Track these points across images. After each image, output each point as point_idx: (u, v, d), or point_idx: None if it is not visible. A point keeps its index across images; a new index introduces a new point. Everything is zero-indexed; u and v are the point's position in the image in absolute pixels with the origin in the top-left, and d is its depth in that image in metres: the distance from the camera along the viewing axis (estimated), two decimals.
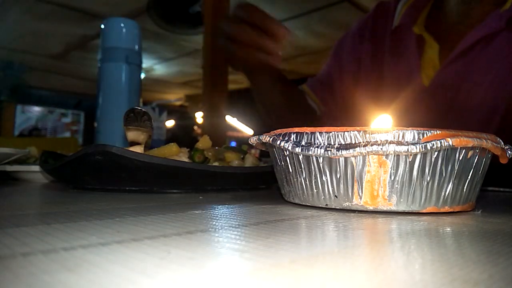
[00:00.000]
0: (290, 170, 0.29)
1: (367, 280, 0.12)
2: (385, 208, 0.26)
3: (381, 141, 0.25)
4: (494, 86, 0.62)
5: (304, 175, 0.28)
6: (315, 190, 0.27)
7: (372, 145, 0.24)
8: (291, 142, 0.27)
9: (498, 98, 0.61)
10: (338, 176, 0.26)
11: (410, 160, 0.25)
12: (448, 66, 0.65)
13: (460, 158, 0.25)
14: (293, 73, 4.55)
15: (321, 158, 0.26)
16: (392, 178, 0.25)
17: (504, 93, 0.60)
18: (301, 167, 0.28)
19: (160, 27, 2.87)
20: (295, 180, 0.29)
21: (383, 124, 0.32)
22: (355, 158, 0.25)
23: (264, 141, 0.30)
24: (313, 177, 0.27)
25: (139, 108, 0.41)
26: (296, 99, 0.76)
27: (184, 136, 5.54)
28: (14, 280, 0.11)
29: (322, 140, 0.26)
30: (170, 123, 6.10)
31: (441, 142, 0.24)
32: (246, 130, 6.04)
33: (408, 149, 0.24)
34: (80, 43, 3.84)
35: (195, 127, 5.69)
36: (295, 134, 0.28)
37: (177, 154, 0.40)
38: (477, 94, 0.63)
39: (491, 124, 0.61)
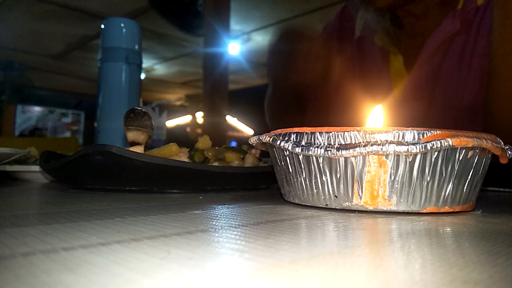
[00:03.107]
0: (290, 170, 0.29)
1: (367, 280, 0.12)
2: (385, 208, 0.26)
3: (381, 141, 0.25)
4: (467, 90, 0.60)
5: (304, 175, 0.28)
6: (315, 190, 0.27)
7: (372, 145, 0.24)
8: (291, 142, 0.27)
9: (475, 102, 0.59)
10: (338, 176, 0.26)
11: (410, 160, 0.25)
12: (414, 77, 0.64)
13: (460, 158, 0.25)
14: None
15: (321, 158, 0.26)
16: (392, 178, 0.25)
17: (479, 97, 0.59)
18: (301, 167, 0.28)
19: (167, 20, 2.86)
20: (295, 180, 0.29)
21: (377, 117, 0.32)
22: (355, 158, 0.25)
23: (264, 141, 0.30)
24: (313, 177, 0.27)
25: (139, 108, 0.41)
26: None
27: (179, 136, 5.56)
28: (14, 280, 0.11)
29: (322, 140, 0.26)
30: (170, 123, 6.12)
31: (441, 142, 0.24)
32: (246, 130, 6.04)
33: (408, 149, 0.24)
34: (80, 43, 3.84)
35: (188, 129, 5.72)
36: (295, 134, 0.28)
37: (177, 154, 0.40)
38: (450, 100, 0.62)
39: (475, 126, 0.59)
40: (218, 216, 0.24)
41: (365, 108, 0.33)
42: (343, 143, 0.25)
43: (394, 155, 0.25)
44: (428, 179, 0.25)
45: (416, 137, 0.25)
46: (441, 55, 0.62)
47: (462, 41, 0.61)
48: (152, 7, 2.81)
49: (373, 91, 0.68)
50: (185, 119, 6.25)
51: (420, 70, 0.64)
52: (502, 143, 0.28)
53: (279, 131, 0.29)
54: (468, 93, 0.60)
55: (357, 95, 0.69)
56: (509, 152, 0.27)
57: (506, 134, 0.29)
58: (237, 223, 0.21)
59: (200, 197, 0.35)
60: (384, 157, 0.25)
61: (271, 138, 0.29)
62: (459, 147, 0.25)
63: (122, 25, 0.67)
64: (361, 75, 0.71)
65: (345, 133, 0.25)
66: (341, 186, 0.26)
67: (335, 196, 0.27)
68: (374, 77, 0.69)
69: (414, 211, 0.26)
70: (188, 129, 5.81)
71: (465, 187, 0.27)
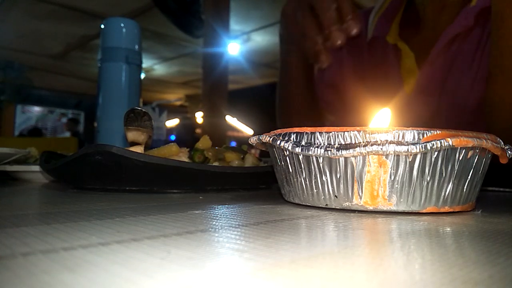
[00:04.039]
0: (290, 170, 0.29)
1: (367, 280, 0.12)
2: (385, 208, 0.26)
3: (381, 141, 0.25)
4: (476, 85, 0.61)
5: (304, 175, 0.28)
6: (315, 190, 0.27)
7: (372, 145, 0.24)
8: (291, 142, 0.27)
9: (481, 101, 0.59)
10: (338, 176, 0.26)
11: (410, 160, 0.25)
12: (425, 72, 0.64)
13: (460, 158, 0.25)
14: None
15: (321, 158, 0.26)
16: (392, 178, 0.25)
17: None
18: (301, 167, 0.28)
19: (166, 17, 2.85)
20: (295, 180, 0.29)
21: (382, 119, 0.32)
22: (355, 158, 0.25)
23: (264, 141, 0.30)
24: (313, 177, 0.27)
25: (139, 108, 0.41)
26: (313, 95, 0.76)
27: (187, 135, 5.56)
28: (14, 280, 0.11)
29: (322, 140, 0.26)
30: (174, 122, 6.10)
31: (441, 142, 0.24)
32: (246, 130, 6.05)
33: (408, 149, 0.24)
34: (80, 43, 3.85)
35: (197, 130, 5.72)
36: (295, 134, 0.28)
37: (177, 154, 0.40)
38: (460, 96, 0.62)
39: (479, 125, 0.60)
40: (218, 216, 0.24)
41: (373, 110, 0.33)
42: (343, 143, 0.25)
43: (394, 155, 0.25)
44: (428, 179, 0.25)
45: (416, 137, 0.25)
46: (454, 52, 0.63)
47: (477, 39, 0.61)
48: (155, 4, 2.80)
49: (384, 90, 0.69)
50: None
51: (432, 65, 0.64)
52: (502, 143, 0.28)
53: (279, 131, 0.29)
54: (476, 92, 0.61)
55: (368, 95, 0.69)
56: (509, 152, 0.27)
57: (506, 134, 0.29)
58: (237, 223, 0.21)
59: (200, 197, 0.35)
60: (384, 157, 0.25)
61: (271, 138, 0.29)
62: (459, 147, 0.25)
63: (122, 25, 0.67)
64: (372, 75, 0.72)
65: (345, 133, 0.25)
66: (341, 186, 0.26)
67: (335, 196, 0.27)
68: (385, 76, 0.70)
69: (414, 211, 0.26)
70: (198, 131, 5.78)
71: (465, 187, 0.27)
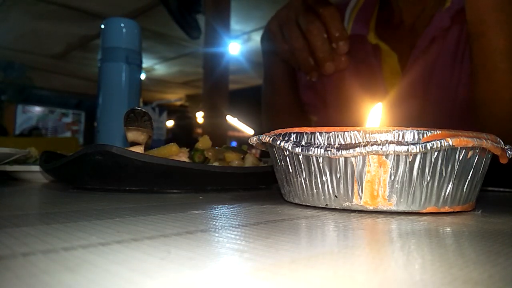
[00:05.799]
0: (290, 170, 0.29)
1: (367, 280, 0.12)
2: (385, 208, 0.26)
3: (381, 141, 0.25)
4: (460, 86, 0.60)
5: (304, 175, 0.28)
6: (315, 190, 0.27)
7: (372, 145, 0.24)
8: (291, 142, 0.27)
9: (468, 99, 0.58)
10: (338, 176, 0.26)
11: (410, 160, 0.25)
12: (408, 74, 0.64)
13: (460, 158, 0.25)
14: None
15: (321, 158, 0.26)
16: (392, 178, 0.25)
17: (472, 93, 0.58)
18: (301, 167, 0.28)
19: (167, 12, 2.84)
20: (295, 180, 0.29)
21: (376, 115, 0.32)
22: (355, 158, 0.25)
23: (264, 141, 0.30)
24: (313, 177, 0.27)
25: (140, 108, 0.41)
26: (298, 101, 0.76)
27: (185, 136, 5.54)
28: (14, 280, 0.11)
29: (322, 140, 0.26)
30: (169, 123, 6.10)
31: (441, 142, 0.24)
32: (247, 130, 6.05)
33: (408, 149, 0.24)
34: (80, 43, 3.85)
35: (198, 130, 5.71)
36: (295, 134, 0.28)
37: (177, 154, 0.40)
38: (445, 95, 0.62)
39: (467, 124, 0.59)
40: (218, 216, 0.24)
41: (361, 108, 0.33)
42: (343, 143, 0.25)
43: (394, 155, 0.25)
44: (428, 179, 0.25)
45: (416, 137, 0.25)
46: (435, 52, 0.62)
47: (456, 38, 0.61)
48: (160, 1, 2.78)
49: (366, 90, 0.68)
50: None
51: (414, 67, 0.64)
52: (502, 143, 0.28)
53: (279, 131, 0.29)
54: (462, 90, 0.60)
55: (351, 94, 0.68)
56: (509, 152, 0.27)
57: (497, 134, 0.29)
58: (237, 223, 0.21)
59: (200, 197, 0.35)
60: (384, 157, 0.25)
61: (271, 138, 0.29)
62: (459, 147, 0.25)
63: (122, 25, 0.67)
64: (353, 75, 0.71)
65: (345, 133, 0.25)
66: (341, 186, 0.26)
67: (335, 196, 0.27)
68: (367, 76, 0.69)
69: (414, 211, 0.26)
70: (198, 130, 5.77)
71: (465, 187, 0.27)
